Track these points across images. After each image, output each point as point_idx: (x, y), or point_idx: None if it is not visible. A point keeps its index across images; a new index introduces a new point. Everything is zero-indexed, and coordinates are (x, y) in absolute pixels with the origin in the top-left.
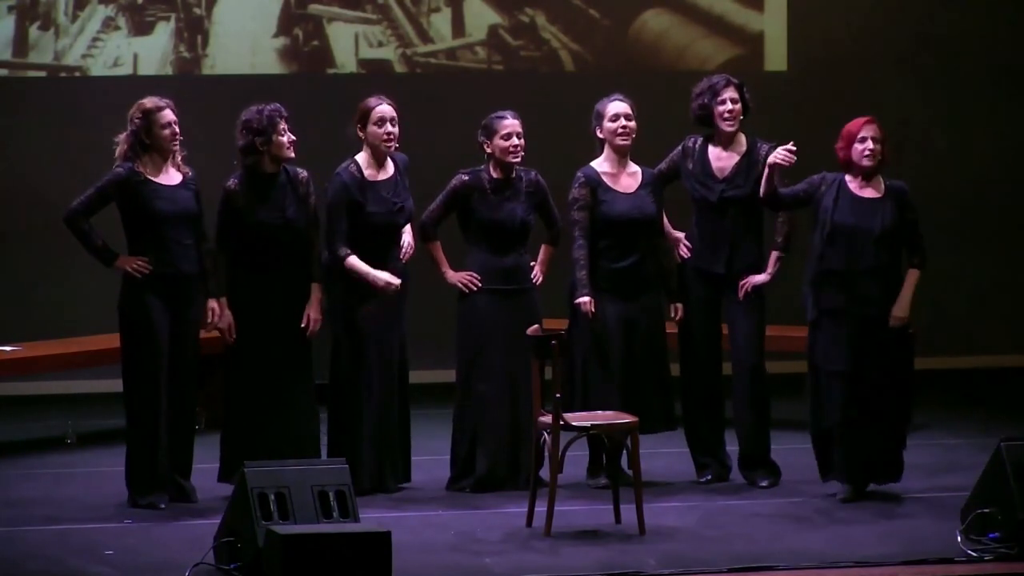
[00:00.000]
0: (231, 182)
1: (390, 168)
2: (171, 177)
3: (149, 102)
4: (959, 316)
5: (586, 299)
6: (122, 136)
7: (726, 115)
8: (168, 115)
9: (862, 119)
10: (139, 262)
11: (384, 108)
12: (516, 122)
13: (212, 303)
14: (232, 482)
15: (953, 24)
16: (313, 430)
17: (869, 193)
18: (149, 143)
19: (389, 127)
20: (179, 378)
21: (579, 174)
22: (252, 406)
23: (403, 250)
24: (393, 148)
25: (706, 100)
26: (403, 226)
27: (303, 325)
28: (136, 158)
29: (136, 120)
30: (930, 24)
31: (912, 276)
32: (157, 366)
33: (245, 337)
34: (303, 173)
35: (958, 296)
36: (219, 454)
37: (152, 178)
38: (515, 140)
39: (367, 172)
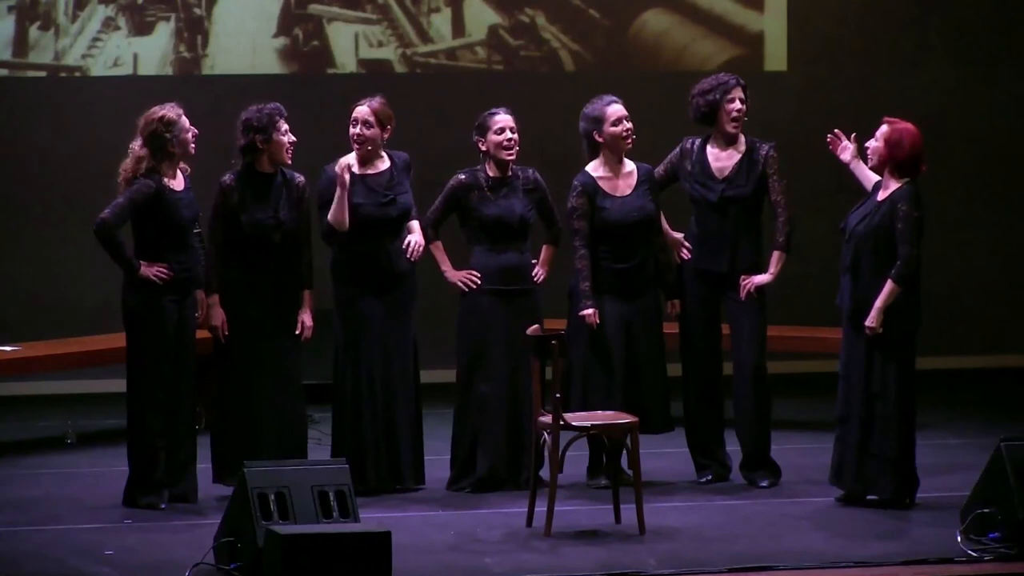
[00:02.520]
0: (227, 177)
1: (382, 165)
2: (179, 181)
3: (172, 112)
4: (959, 316)
5: (590, 311)
6: (140, 149)
7: (734, 114)
8: (187, 121)
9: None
10: (161, 269)
11: (357, 109)
12: (508, 117)
13: (200, 295)
14: (226, 482)
15: (954, 25)
16: (300, 432)
17: (881, 195)
18: (179, 153)
19: (361, 128)
20: (182, 379)
21: (575, 183)
22: (241, 406)
23: (410, 248)
24: (363, 148)
25: (716, 97)
26: (396, 220)
27: (296, 332)
28: (158, 169)
29: (168, 132)
30: (930, 25)
31: (886, 286)
32: (164, 368)
33: (234, 336)
34: (299, 178)
35: (958, 296)
36: (211, 455)
37: (173, 187)
38: (508, 135)
39: (356, 168)
